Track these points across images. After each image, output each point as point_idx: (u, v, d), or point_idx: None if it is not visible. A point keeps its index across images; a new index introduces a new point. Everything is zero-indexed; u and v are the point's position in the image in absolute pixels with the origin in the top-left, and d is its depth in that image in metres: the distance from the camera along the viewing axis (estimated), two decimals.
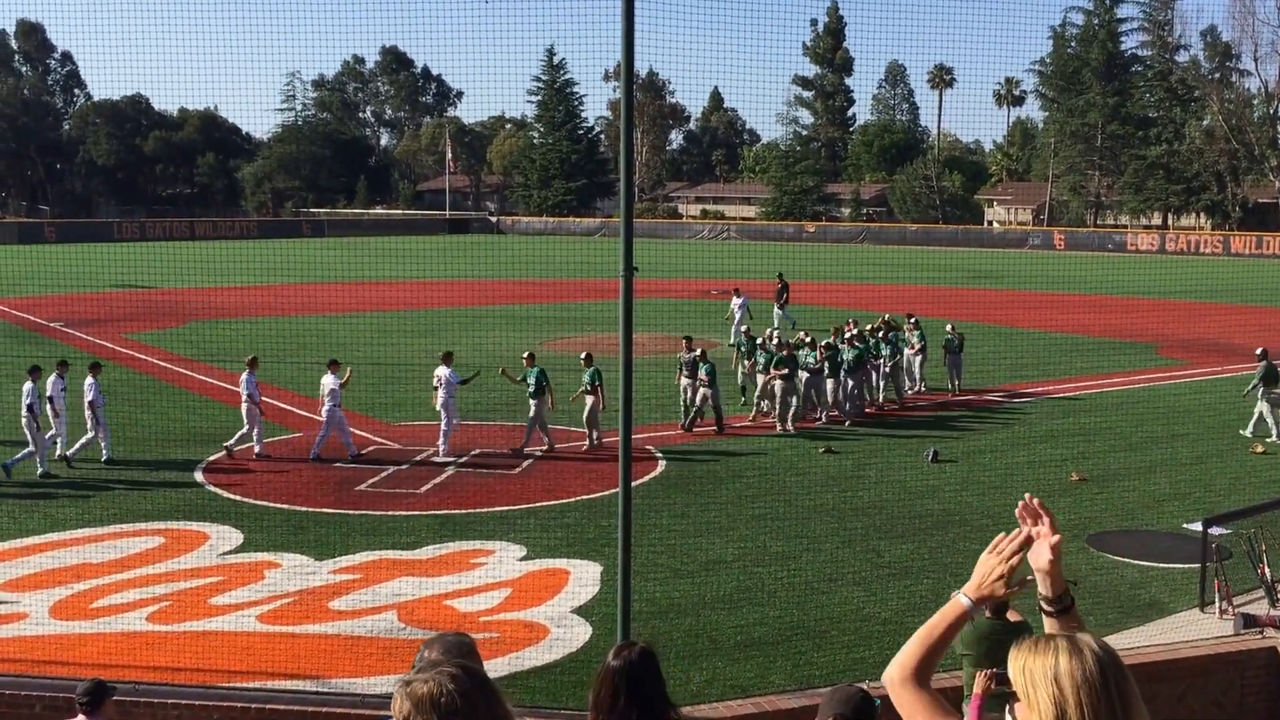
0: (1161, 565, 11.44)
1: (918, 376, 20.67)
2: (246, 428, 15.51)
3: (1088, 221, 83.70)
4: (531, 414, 15.86)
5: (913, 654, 2.47)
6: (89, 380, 15.32)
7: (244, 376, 15.64)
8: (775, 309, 29.94)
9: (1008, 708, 2.25)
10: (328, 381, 15.64)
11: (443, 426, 15.74)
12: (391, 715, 2.31)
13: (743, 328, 21.82)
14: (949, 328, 20.51)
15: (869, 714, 3.78)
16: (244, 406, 15.56)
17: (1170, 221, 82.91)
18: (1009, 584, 2.47)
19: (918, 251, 67.84)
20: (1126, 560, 11.60)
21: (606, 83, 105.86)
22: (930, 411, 19.53)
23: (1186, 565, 11.03)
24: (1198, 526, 10.87)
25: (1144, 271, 42.61)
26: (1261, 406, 17.40)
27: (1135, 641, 9.20)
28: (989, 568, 2.51)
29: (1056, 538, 2.47)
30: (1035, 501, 2.53)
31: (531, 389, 15.78)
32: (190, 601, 10.28)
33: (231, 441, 15.49)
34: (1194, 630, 9.38)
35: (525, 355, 16.25)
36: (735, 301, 27.60)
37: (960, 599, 2.50)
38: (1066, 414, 19.39)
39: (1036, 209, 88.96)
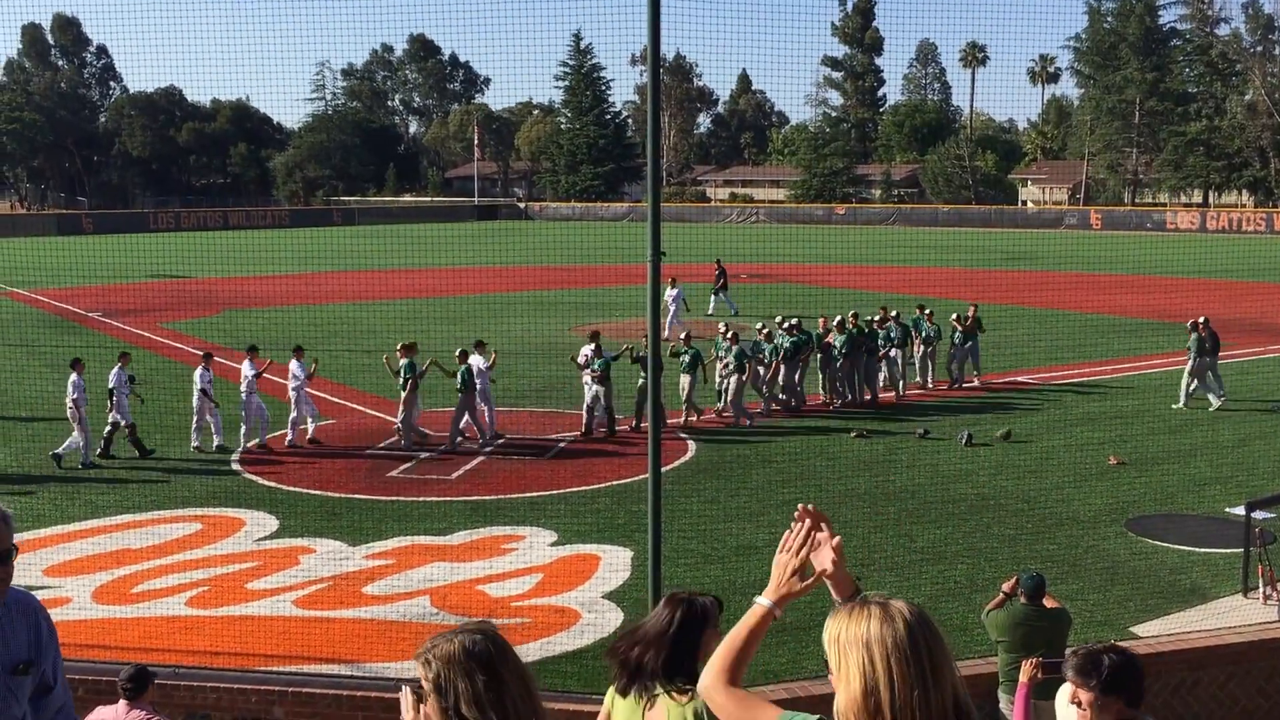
0: (1203, 550, 11.24)
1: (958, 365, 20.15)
2: (404, 413, 15.63)
3: (1125, 200, 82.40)
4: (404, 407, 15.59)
5: (724, 662, 2.49)
6: (199, 370, 15.67)
7: (403, 363, 15.69)
8: (713, 295, 28.49)
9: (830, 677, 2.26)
10: (476, 362, 15.83)
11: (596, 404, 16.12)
12: (417, 689, 2.30)
13: (720, 326, 18.85)
14: (954, 316, 20.02)
15: None
16: (404, 395, 15.76)
17: (1211, 199, 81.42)
18: (803, 577, 2.50)
19: (950, 233, 67.10)
20: (1167, 545, 11.42)
21: (633, 67, 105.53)
22: (960, 395, 19.33)
23: (1228, 550, 10.82)
24: (1240, 510, 10.67)
25: (1184, 251, 41.85)
26: (1185, 377, 17.87)
27: (1176, 627, 9.06)
28: (782, 566, 2.52)
29: (836, 540, 2.50)
30: (811, 508, 2.56)
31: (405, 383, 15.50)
32: (228, 586, 10.41)
33: (400, 428, 15.73)
34: (1236, 616, 9.21)
35: (400, 346, 15.94)
36: (670, 293, 24.98)
37: (760, 602, 2.52)
38: (1104, 396, 19.11)
39: (1072, 188, 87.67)
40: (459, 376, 15.53)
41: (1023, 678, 5.69)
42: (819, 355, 18.10)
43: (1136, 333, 25.51)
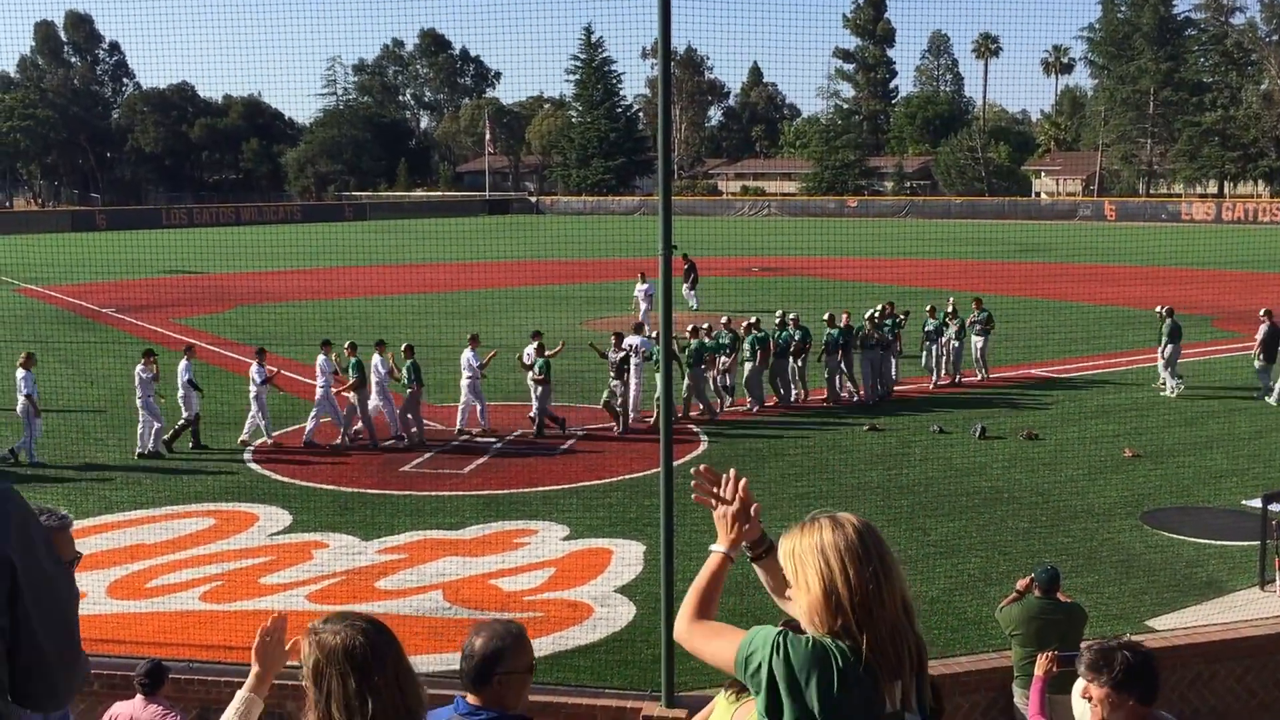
0: (1219, 543, 11.16)
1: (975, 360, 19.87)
2: (476, 402, 15.84)
3: (1140, 191, 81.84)
4: (363, 403, 15.52)
5: (692, 607, 2.67)
6: (255, 366, 15.71)
7: (466, 354, 15.77)
8: (684, 289, 27.85)
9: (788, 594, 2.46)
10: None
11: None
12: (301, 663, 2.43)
13: (704, 325, 17.90)
14: (947, 312, 19.54)
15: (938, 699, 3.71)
16: (465, 383, 15.93)
17: (1226, 190, 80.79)
18: (744, 519, 2.72)
19: (963, 225, 66.79)
20: (1183, 538, 11.33)
21: (644, 60, 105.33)
22: (972, 389, 19.22)
23: (1245, 543, 10.74)
24: (1257, 503, 10.57)
25: (1199, 241, 41.55)
26: (1160, 363, 18.41)
27: (1193, 621, 8.99)
28: (725, 517, 2.75)
29: (743, 482, 2.74)
30: (704, 469, 2.83)
31: (355, 379, 15.50)
32: (241, 581, 10.44)
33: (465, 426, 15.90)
34: (1254, 609, 9.14)
35: (347, 345, 15.91)
36: (640, 288, 24.50)
37: (715, 549, 2.75)
38: (1119, 389, 18.99)
39: (1086, 179, 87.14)
40: (405, 372, 15.48)
41: (1038, 671, 5.65)
42: (832, 353, 17.92)
43: (1152, 324, 25.25)
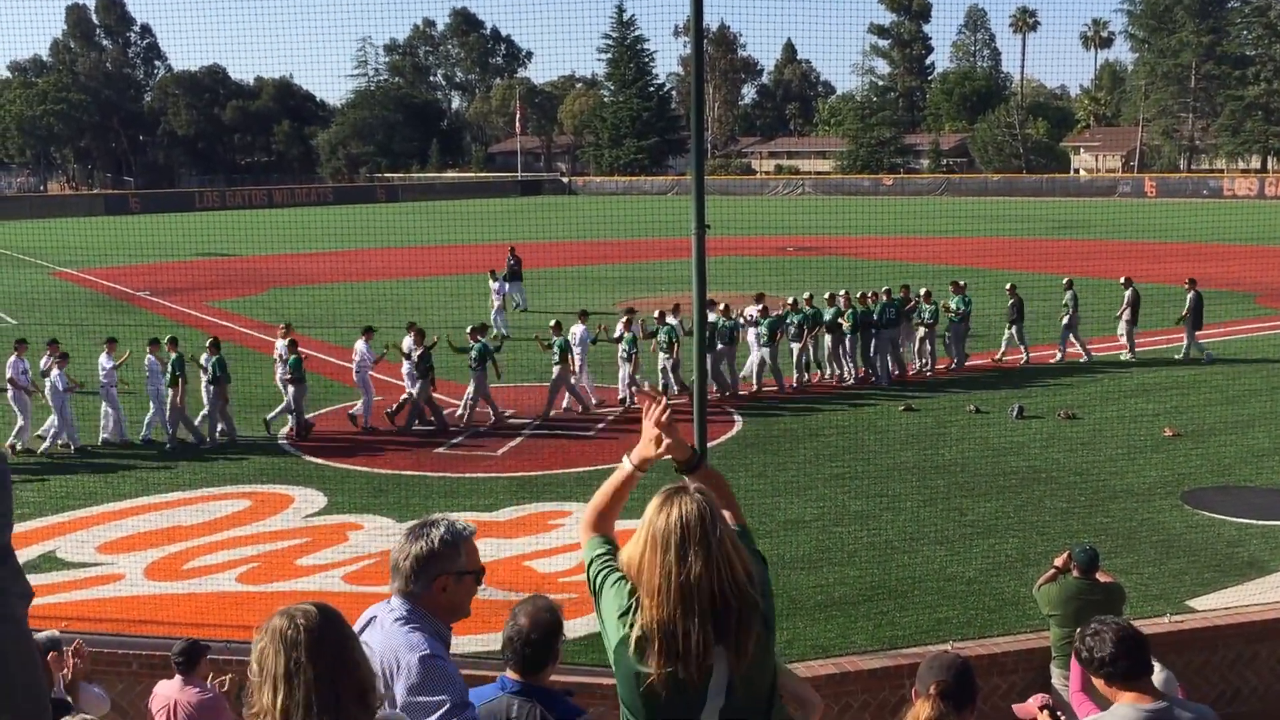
0: (1261, 522, 10.96)
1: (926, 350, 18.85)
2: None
3: (1181, 167, 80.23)
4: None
5: (588, 517, 2.94)
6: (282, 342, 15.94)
7: (577, 329, 15.92)
8: (505, 284, 26.55)
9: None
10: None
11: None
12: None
13: (718, 309, 16.73)
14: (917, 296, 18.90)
15: (971, 680, 3.64)
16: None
17: (1270, 165, 79.00)
18: (658, 444, 2.86)
19: (1000, 202, 65.83)
20: (1224, 518, 11.13)
21: (677, 38, 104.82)
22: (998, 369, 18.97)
23: None
24: None
25: (1242, 217, 40.66)
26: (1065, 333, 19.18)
27: (1234, 601, 8.83)
28: (644, 431, 2.88)
29: (660, 418, 2.88)
30: (648, 387, 3.34)
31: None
32: (278, 562, 10.55)
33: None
34: None
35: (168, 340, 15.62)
36: (492, 285, 24.22)
37: (625, 464, 2.93)
38: (1160, 367, 18.67)
39: (1126, 155, 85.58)
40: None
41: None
42: (848, 334, 17.63)
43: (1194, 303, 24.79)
